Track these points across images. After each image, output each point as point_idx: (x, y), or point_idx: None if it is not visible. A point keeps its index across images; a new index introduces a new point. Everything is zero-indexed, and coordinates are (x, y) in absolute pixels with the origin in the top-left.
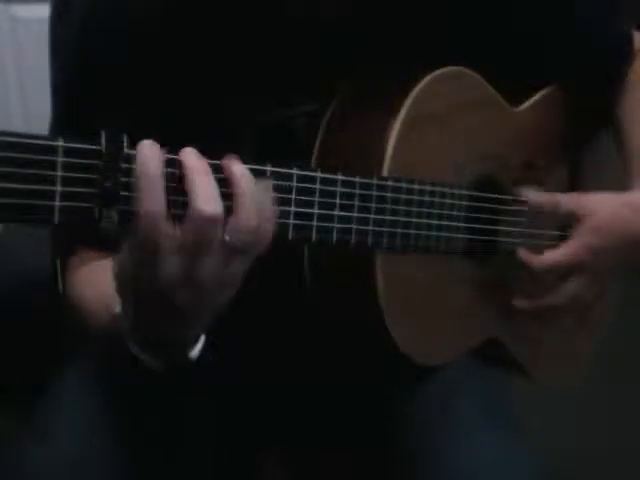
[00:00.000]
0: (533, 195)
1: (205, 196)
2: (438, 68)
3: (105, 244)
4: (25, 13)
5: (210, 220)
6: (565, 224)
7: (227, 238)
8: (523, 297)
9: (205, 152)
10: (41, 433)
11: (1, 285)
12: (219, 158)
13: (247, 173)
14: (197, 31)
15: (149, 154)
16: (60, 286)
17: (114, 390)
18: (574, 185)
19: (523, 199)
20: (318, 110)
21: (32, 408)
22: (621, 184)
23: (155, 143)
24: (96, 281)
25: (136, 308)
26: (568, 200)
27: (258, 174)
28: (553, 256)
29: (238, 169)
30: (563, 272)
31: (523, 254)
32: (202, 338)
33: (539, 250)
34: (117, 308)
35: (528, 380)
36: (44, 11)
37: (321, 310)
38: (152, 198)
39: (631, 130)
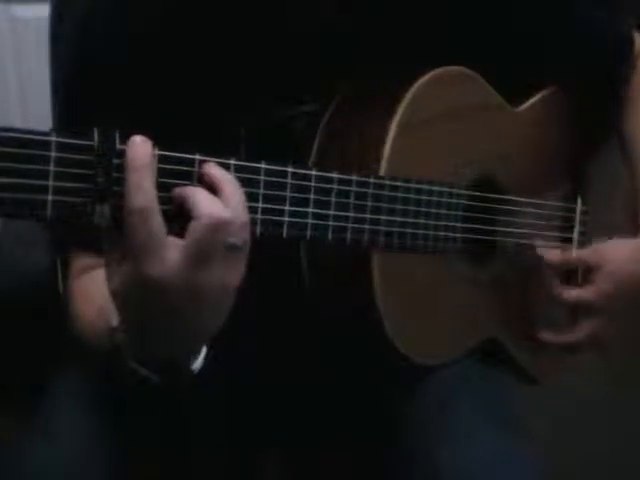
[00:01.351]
0: (544, 252)
1: (210, 199)
2: (438, 68)
3: (100, 246)
4: (25, 13)
5: (217, 223)
6: (566, 225)
7: (230, 240)
8: (550, 331)
9: (205, 152)
10: (41, 433)
11: (1, 285)
12: (219, 157)
13: (227, 174)
14: (197, 31)
15: (140, 149)
16: (60, 286)
17: (114, 390)
18: (575, 185)
19: (523, 201)
20: (318, 110)
21: (32, 408)
22: (622, 184)
23: (146, 139)
24: (94, 295)
25: (136, 321)
26: (583, 254)
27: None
28: (579, 292)
29: (219, 173)
30: (582, 308)
31: (556, 286)
32: (204, 350)
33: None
34: (114, 321)
35: (527, 379)
36: (44, 11)
37: (320, 310)
38: (142, 193)
39: (636, 136)
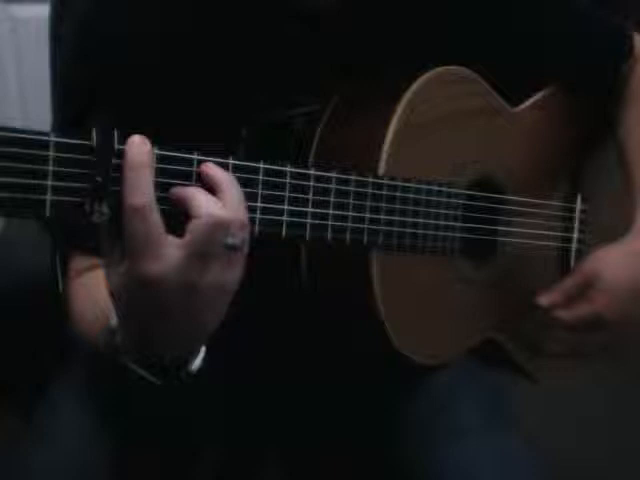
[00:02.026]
0: (544, 297)
1: (209, 200)
2: (438, 68)
3: (99, 247)
4: (25, 13)
5: (217, 223)
6: (566, 225)
7: (230, 240)
8: (559, 344)
9: (205, 151)
10: (41, 433)
11: (1, 285)
12: (218, 157)
13: (226, 173)
14: (197, 31)
15: (138, 149)
16: (60, 286)
17: (114, 391)
18: (574, 185)
19: (522, 201)
20: (318, 110)
21: (32, 408)
22: (622, 184)
23: (145, 138)
24: (94, 295)
25: (134, 321)
26: (573, 278)
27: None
28: (578, 313)
29: (219, 173)
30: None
31: (560, 312)
32: (202, 350)
33: (540, 252)
34: (113, 321)
35: (527, 379)
36: (44, 11)
37: (320, 311)
38: (140, 192)
39: (633, 135)
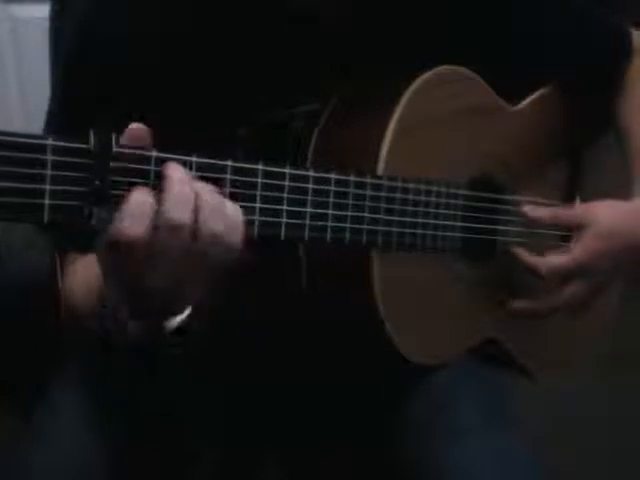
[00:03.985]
0: (532, 209)
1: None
2: (437, 68)
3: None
4: (25, 13)
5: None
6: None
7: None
8: (522, 299)
9: (204, 151)
10: (40, 434)
11: (1, 285)
12: (217, 157)
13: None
14: (197, 31)
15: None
16: (60, 285)
17: (113, 391)
18: (573, 184)
19: (522, 200)
20: (317, 110)
21: (32, 408)
22: (620, 183)
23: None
24: (88, 276)
25: (123, 277)
26: (568, 212)
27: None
28: (559, 260)
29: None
30: (566, 275)
31: (526, 257)
32: (188, 309)
33: (539, 252)
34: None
35: (528, 379)
36: (44, 11)
37: (320, 311)
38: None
39: (631, 129)
